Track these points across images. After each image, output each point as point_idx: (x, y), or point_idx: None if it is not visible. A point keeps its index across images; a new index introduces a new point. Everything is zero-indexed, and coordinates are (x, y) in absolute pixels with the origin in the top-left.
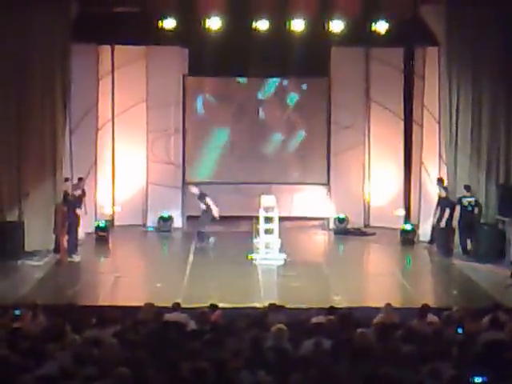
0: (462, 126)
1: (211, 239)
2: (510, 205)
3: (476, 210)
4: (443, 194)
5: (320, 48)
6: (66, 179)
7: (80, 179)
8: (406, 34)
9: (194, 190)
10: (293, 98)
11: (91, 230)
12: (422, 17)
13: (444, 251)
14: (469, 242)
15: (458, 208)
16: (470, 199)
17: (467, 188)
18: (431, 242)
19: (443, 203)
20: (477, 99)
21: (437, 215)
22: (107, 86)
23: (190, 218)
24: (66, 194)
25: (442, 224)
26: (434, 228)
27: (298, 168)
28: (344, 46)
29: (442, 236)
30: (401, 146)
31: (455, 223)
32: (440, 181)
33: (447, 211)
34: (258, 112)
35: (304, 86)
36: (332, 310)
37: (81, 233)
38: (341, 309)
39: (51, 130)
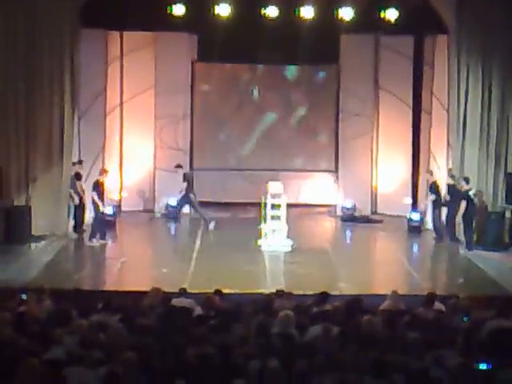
0: (471, 115)
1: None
2: None
3: (477, 201)
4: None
5: (329, 35)
6: (80, 161)
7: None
8: (415, 21)
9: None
10: (302, 85)
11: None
12: (432, 4)
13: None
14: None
15: (464, 202)
16: (473, 191)
17: (467, 180)
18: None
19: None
20: (486, 87)
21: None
22: (116, 71)
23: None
24: (79, 176)
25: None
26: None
27: (306, 155)
28: (353, 34)
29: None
30: (409, 134)
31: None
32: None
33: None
34: (265, 99)
35: (313, 74)
36: (325, 295)
37: (87, 217)
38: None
39: (59, 115)
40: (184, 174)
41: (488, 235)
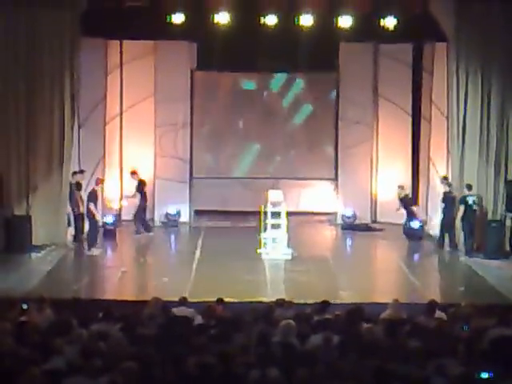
0: (470, 122)
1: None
2: None
3: (478, 208)
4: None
5: (328, 43)
6: (82, 171)
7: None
8: (414, 29)
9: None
10: (301, 93)
11: (99, 224)
12: (431, 12)
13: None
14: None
15: (462, 208)
16: (474, 198)
17: (469, 187)
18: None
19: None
20: (485, 94)
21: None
22: (115, 80)
23: (197, 213)
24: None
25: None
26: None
27: (306, 163)
28: (353, 42)
29: None
30: (409, 141)
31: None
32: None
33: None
34: (266, 107)
35: (312, 82)
36: (325, 304)
37: (88, 227)
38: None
39: (60, 124)
40: (140, 182)
41: (488, 243)
